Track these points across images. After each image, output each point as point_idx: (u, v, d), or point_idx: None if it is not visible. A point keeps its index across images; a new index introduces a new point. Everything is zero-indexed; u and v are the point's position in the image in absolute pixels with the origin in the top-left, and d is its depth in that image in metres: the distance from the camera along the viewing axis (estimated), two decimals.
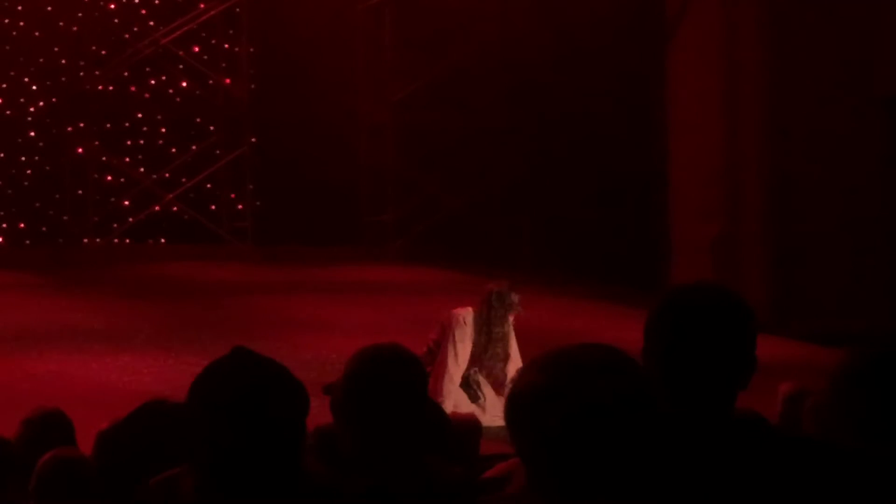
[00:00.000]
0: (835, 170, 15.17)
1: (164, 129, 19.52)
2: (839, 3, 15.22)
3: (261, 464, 2.73)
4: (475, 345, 9.79)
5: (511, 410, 2.34)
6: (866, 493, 2.72)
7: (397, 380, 3.48)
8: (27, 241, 18.73)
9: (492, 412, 9.39)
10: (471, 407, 9.63)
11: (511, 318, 9.86)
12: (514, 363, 9.70)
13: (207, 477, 2.77)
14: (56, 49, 18.97)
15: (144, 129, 19.47)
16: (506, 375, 9.70)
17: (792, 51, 15.26)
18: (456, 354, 9.73)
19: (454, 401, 9.63)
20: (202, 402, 2.77)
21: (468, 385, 9.88)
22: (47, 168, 18.97)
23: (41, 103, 18.94)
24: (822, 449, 2.79)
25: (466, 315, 9.81)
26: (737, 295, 2.85)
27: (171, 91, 19.61)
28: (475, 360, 9.84)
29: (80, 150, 18.91)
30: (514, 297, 9.85)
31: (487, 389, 9.83)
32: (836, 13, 15.17)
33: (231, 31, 19.79)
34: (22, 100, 18.85)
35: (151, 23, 19.25)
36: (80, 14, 18.95)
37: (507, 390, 2.74)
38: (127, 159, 19.24)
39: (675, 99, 16.75)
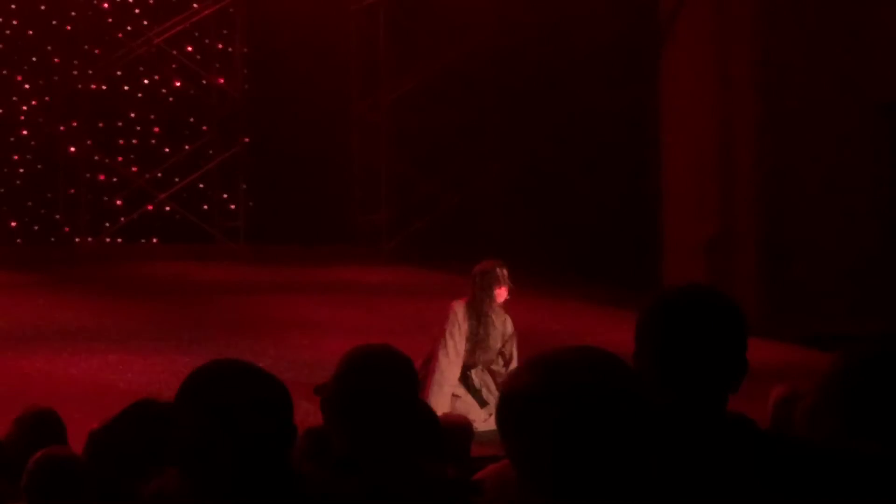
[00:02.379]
0: (829, 173, 15.20)
1: (156, 129, 19.51)
2: (834, 6, 15.24)
3: (246, 467, 2.74)
4: (470, 331, 9.76)
5: (501, 413, 2.34)
6: (858, 495, 2.72)
7: (388, 380, 3.47)
8: (18, 240, 18.70)
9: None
10: (480, 413, 9.57)
11: (500, 294, 9.78)
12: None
13: (194, 481, 2.78)
14: (49, 48, 18.95)
15: (137, 128, 19.45)
16: None
17: (786, 53, 15.28)
18: (447, 349, 9.69)
19: (459, 404, 9.57)
20: (187, 407, 2.79)
21: (475, 389, 9.84)
22: (39, 167, 18.94)
23: (34, 102, 18.92)
24: (813, 450, 2.79)
25: (458, 307, 9.79)
26: (728, 297, 2.85)
27: (164, 90, 19.60)
28: (472, 348, 9.80)
29: (72, 149, 18.89)
30: (499, 272, 9.76)
31: (496, 391, 9.77)
32: (831, 16, 15.19)
33: (225, 31, 19.79)
34: (14, 98, 18.83)
35: (145, 22, 19.24)
36: (73, 13, 18.93)
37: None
38: (119, 158, 19.22)
39: (669, 100, 16.77)
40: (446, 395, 9.59)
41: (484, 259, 10.11)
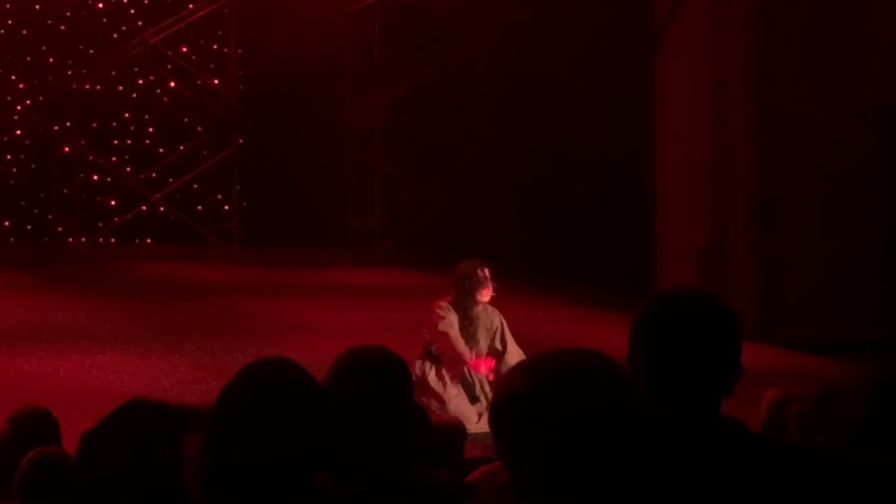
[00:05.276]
0: (823, 178, 15.20)
1: (151, 129, 19.50)
2: (830, 10, 15.25)
3: (270, 474, 2.79)
4: (458, 327, 9.77)
5: (494, 415, 2.34)
6: (849, 499, 2.72)
7: (381, 382, 3.47)
8: (11, 239, 18.67)
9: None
10: (471, 409, 9.58)
11: (484, 295, 9.78)
12: (514, 355, 9.63)
13: (215, 475, 2.81)
14: (44, 48, 18.93)
15: (132, 128, 19.44)
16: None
17: (782, 57, 15.28)
18: (450, 332, 9.71)
19: (457, 402, 9.60)
20: (230, 406, 2.83)
21: (468, 384, 9.83)
22: (33, 167, 18.92)
23: (28, 102, 18.90)
24: (805, 455, 2.79)
25: (444, 305, 9.81)
26: (722, 301, 2.85)
27: (158, 91, 19.59)
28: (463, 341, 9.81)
29: (66, 149, 18.88)
30: (481, 273, 9.76)
31: (488, 390, 9.77)
32: (826, 20, 15.19)
33: (220, 32, 19.78)
34: (9, 98, 18.81)
35: (140, 22, 19.22)
36: (68, 13, 18.92)
37: None
38: (114, 159, 19.20)
39: (663, 105, 16.77)
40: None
41: (464, 259, 10.09)
